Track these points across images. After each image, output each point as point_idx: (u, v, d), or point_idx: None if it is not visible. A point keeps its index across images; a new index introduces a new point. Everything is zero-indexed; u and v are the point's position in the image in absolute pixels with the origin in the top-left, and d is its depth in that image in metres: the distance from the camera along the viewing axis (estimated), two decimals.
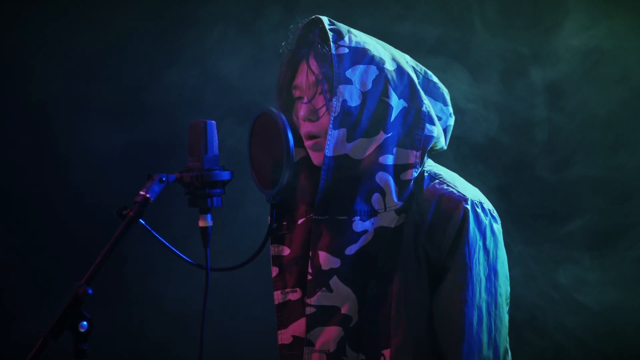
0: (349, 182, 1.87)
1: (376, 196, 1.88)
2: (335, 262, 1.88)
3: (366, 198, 1.88)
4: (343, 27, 1.92)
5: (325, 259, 1.88)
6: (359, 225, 1.88)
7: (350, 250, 1.88)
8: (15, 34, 3.36)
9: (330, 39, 1.88)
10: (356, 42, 1.90)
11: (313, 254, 1.90)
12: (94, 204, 3.35)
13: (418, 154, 1.91)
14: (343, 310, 1.89)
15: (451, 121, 2.01)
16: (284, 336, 2.00)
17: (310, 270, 1.90)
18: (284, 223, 2.00)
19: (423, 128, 1.91)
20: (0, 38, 3.36)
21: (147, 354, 3.43)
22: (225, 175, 1.82)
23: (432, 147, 1.97)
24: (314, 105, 1.90)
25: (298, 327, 1.98)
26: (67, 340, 1.63)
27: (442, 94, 1.99)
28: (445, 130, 2.00)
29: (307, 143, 1.93)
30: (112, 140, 3.38)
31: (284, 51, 1.97)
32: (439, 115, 1.99)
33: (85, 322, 1.61)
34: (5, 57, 3.37)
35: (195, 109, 3.38)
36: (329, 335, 1.90)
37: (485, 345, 1.88)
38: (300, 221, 2.00)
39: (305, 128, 1.92)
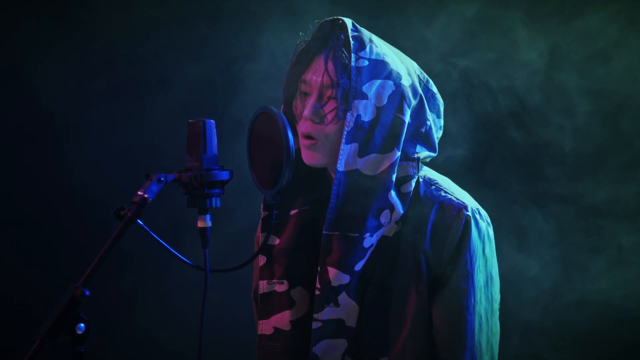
0: (361, 198, 1.86)
1: (386, 212, 1.87)
2: (345, 279, 1.87)
3: (377, 215, 1.87)
4: (365, 35, 1.89)
5: (334, 276, 1.87)
6: (368, 241, 1.87)
7: (359, 265, 1.87)
8: (16, 33, 3.35)
9: (352, 49, 1.86)
10: (376, 54, 1.87)
11: (322, 269, 1.88)
12: (92, 204, 3.34)
13: (414, 164, 1.91)
14: (348, 323, 1.88)
15: (440, 133, 1.99)
16: (265, 327, 1.98)
17: (318, 285, 1.88)
18: (276, 212, 1.98)
19: (414, 147, 1.91)
20: (1, 37, 3.35)
21: (145, 356, 3.41)
22: (224, 175, 1.80)
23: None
24: (323, 110, 1.88)
25: (281, 318, 1.96)
26: (65, 342, 1.62)
27: (438, 106, 1.97)
28: None
29: (304, 142, 1.91)
30: (111, 139, 3.37)
31: (300, 43, 1.94)
32: None
33: (82, 324, 1.59)
34: (6, 56, 3.36)
35: (196, 109, 3.37)
36: (335, 348, 1.88)
37: (484, 352, 1.87)
38: (293, 212, 1.98)
39: (304, 128, 1.90)
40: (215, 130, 1.81)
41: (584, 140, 3.18)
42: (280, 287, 1.97)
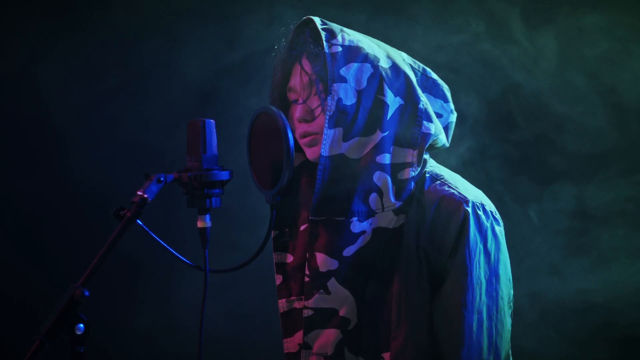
0: (346, 182, 1.85)
1: (373, 196, 1.86)
2: (333, 264, 1.86)
3: (364, 198, 1.85)
4: (336, 27, 1.90)
5: (322, 261, 1.86)
6: (356, 226, 1.86)
7: (349, 251, 1.86)
8: (17, 33, 3.35)
9: (323, 38, 1.85)
10: (349, 41, 1.88)
11: (310, 256, 1.88)
12: (92, 204, 3.33)
13: (415, 152, 1.88)
14: (341, 313, 1.87)
15: (453, 118, 1.98)
16: (290, 345, 1.98)
17: (307, 272, 1.88)
18: (286, 230, 1.98)
19: (420, 125, 1.89)
20: (2, 37, 3.35)
21: (145, 356, 3.41)
22: (224, 175, 1.80)
23: (432, 145, 1.95)
24: (309, 105, 1.88)
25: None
26: (65, 342, 1.61)
27: (442, 91, 1.96)
28: (446, 128, 1.98)
29: (303, 140, 1.91)
30: (111, 139, 3.37)
31: (276, 54, 1.96)
32: (439, 112, 1.96)
33: (81, 325, 1.59)
34: (6, 56, 3.35)
35: (196, 108, 3.37)
36: (327, 338, 1.88)
37: (485, 350, 1.85)
38: (302, 227, 1.98)
39: (301, 129, 1.90)
40: (215, 130, 1.81)
41: (582, 140, 3.18)
42: (300, 304, 1.97)
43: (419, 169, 1.90)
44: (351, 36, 1.89)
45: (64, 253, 3.35)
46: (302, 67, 1.88)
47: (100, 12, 3.37)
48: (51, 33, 3.35)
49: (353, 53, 1.86)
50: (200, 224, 1.80)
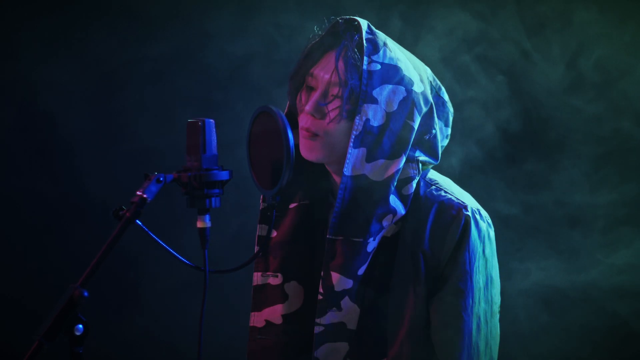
0: (367, 204, 1.84)
1: (389, 216, 1.86)
2: (348, 284, 1.86)
3: (379, 219, 1.85)
4: (380, 38, 1.87)
5: (338, 281, 1.86)
6: (371, 245, 1.86)
7: (362, 270, 1.86)
8: (17, 35, 3.34)
9: (365, 52, 1.84)
10: (389, 59, 1.85)
11: (325, 274, 1.87)
12: (92, 204, 3.33)
13: (414, 165, 1.90)
14: (349, 326, 1.87)
15: (445, 142, 1.98)
16: (257, 319, 1.98)
17: (321, 290, 1.87)
18: (275, 212, 1.97)
19: (414, 152, 1.90)
20: (2, 38, 3.35)
21: (145, 356, 3.41)
22: (223, 175, 1.79)
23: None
24: (327, 107, 1.86)
25: (273, 312, 1.96)
26: (64, 343, 1.61)
27: (447, 114, 1.96)
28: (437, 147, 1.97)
29: (303, 134, 1.89)
30: (111, 139, 3.37)
31: (313, 37, 1.92)
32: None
33: (80, 325, 1.58)
34: (6, 57, 3.35)
35: (195, 108, 3.36)
36: (337, 351, 1.88)
37: (482, 354, 1.85)
38: (292, 205, 1.98)
39: (305, 122, 1.88)
40: (214, 129, 1.80)
41: (579, 140, 3.19)
42: (274, 280, 1.96)
43: (417, 178, 1.90)
44: (392, 52, 1.87)
45: (64, 253, 3.34)
46: (336, 67, 1.85)
47: (105, 16, 3.37)
48: (51, 35, 3.35)
49: (390, 73, 1.84)
50: (200, 224, 1.79)
